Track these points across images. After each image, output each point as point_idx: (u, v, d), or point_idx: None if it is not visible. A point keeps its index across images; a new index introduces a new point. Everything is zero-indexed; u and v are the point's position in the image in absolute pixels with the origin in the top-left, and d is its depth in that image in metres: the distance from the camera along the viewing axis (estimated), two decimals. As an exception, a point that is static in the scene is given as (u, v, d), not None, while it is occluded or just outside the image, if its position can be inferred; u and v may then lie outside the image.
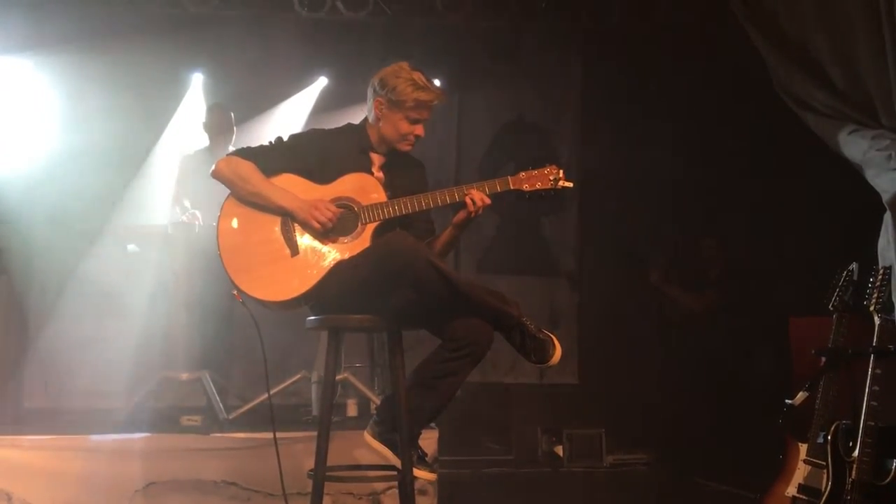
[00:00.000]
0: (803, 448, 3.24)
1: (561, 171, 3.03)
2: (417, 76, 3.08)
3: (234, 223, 3.04)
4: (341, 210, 3.02)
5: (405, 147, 3.16)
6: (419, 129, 3.13)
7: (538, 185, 3.01)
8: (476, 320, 2.83)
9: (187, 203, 4.58)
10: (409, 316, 2.93)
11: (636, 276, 5.78)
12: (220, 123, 5.15)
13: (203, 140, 5.28)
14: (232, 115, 5.19)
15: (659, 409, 5.44)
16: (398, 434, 2.92)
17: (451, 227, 3.09)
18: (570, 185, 3.03)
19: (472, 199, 2.96)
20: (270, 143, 3.16)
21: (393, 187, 3.13)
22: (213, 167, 3.09)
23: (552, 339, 2.82)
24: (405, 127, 3.11)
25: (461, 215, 3.02)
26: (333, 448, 3.02)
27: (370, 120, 3.19)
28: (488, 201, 2.98)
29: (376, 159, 3.21)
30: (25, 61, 5.30)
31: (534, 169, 3.03)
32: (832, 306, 3.31)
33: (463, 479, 5.00)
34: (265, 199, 3.02)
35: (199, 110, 5.47)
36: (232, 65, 5.68)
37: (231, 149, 5.02)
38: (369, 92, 3.17)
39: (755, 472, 3.53)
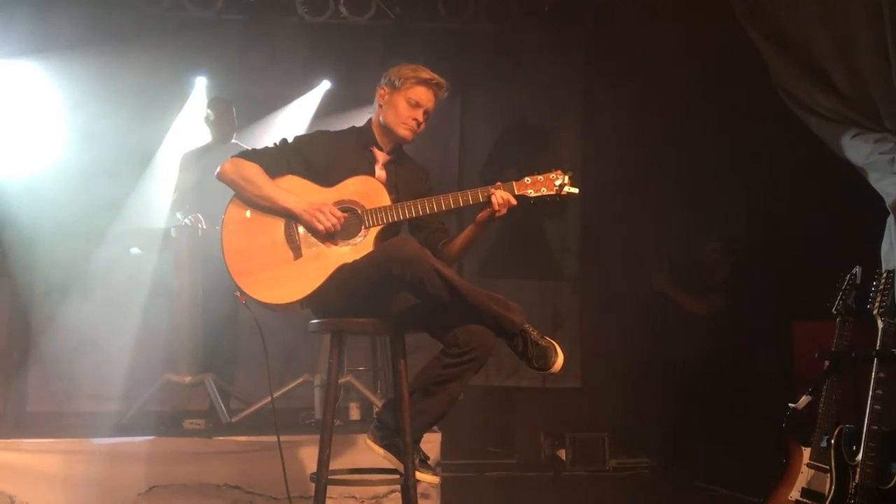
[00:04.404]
0: (806, 452, 3.23)
1: (567, 177, 3.01)
2: (422, 67, 3.13)
3: (238, 225, 3.04)
4: (346, 214, 3.02)
5: (404, 132, 3.14)
6: (419, 114, 3.12)
7: (543, 191, 3.00)
8: (478, 326, 2.82)
9: (187, 208, 4.57)
10: (412, 320, 2.93)
11: (639, 280, 5.77)
12: (221, 116, 5.08)
13: (204, 139, 5.27)
14: (234, 109, 5.16)
15: (662, 412, 5.43)
16: (400, 438, 2.91)
17: (474, 225, 3.07)
18: (576, 191, 3.01)
19: (495, 200, 2.95)
20: (275, 144, 3.16)
21: (397, 190, 3.13)
22: (219, 169, 3.08)
23: (554, 347, 2.81)
24: (404, 109, 3.11)
25: (484, 214, 3.01)
26: (336, 451, 3.03)
27: (373, 116, 3.22)
28: (514, 202, 2.97)
29: (380, 157, 3.21)
30: (29, 65, 5.30)
31: (539, 174, 3.02)
32: (835, 310, 3.30)
33: (465, 482, 5.00)
34: (270, 200, 3.01)
35: (202, 112, 5.45)
36: (235, 68, 5.67)
37: (234, 141, 5.05)
38: (376, 91, 3.19)
39: (758, 476, 3.52)
